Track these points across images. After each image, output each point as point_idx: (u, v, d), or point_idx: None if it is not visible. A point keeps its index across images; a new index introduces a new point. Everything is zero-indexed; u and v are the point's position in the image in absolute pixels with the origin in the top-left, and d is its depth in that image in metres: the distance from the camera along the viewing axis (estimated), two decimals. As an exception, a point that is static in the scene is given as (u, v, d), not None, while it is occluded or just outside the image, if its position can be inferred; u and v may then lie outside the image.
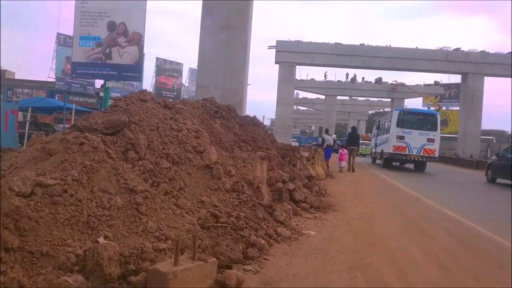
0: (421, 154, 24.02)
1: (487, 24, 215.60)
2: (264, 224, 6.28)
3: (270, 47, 46.36)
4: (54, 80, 51.71)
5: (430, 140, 24.11)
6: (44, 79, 54.68)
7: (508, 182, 18.29)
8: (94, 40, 42.33)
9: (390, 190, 14.56)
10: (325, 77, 65.33)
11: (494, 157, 21.62)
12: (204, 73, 19.94)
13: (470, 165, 34.79)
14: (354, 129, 25.04)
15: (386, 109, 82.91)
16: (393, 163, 26.56)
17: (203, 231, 5.43)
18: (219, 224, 5.70)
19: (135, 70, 40.18)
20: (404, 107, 36.82)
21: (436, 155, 24.93)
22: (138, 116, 7.10)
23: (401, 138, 24.07)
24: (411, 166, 26.61)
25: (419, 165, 25.25)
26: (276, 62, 46.06)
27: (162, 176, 6.20)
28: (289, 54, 45.34)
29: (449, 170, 30.20)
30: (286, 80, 45.68)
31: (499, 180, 19.69)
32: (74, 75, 41.37)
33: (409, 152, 23.96)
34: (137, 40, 39.33)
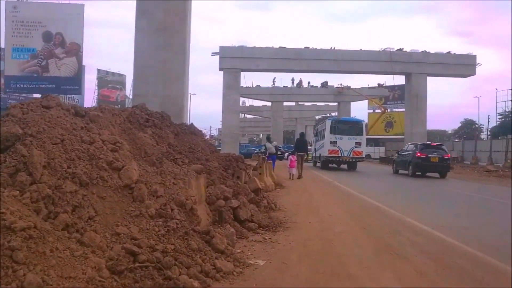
0: (351, 155, 28.30)
1: (426, 24, 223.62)
2: (200, 257, 4.93)
3: (213, 54, 45.20)
4: (-14, 96, 48.55)
5: (358, 143, 28.49)
6: (-25, 95, 51.34)
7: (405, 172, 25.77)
8: (29, 52, 40.07)
9: (345, 198, 13.57)
10: (273, 83, 64.59)
11: (396, 154, 29.36)
12: (141, 80, 18.38)
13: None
14: (302, 135, 24.29)
15: (333, 114, 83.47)
16: (330, 165, 30.30)
17: (113, 277, 4.04)
18: (137, 265, 4.33)
19: (74, 82, 38.23)
20: (335, 117, 39.40)
21: (363, 155, 29.80)
22: (37, 126, 5.59)
23: (334, 143, 28.20)
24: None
25: (351, 165, 29.47)
26: (220, 69, 44.91)
27: (64, 204, 4.74)
28: (233, 60, 44.29)
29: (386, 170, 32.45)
30: (231, 87, 44.51)
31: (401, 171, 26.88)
32: (8, 90, 38.70)
33: (341, 154, 28.17)
34: (75, 51, 37.50)
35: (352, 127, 29.56)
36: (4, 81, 38.93)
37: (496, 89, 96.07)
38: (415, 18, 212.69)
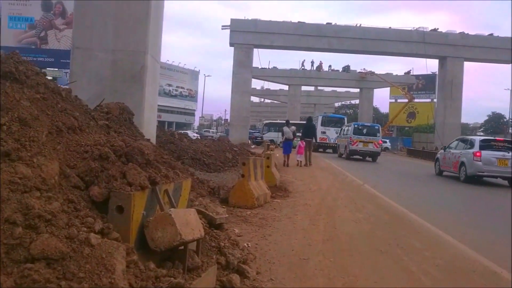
0: (336, 142, 34.13)
1: (448, 20, 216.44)
2: None
3: (224, 27, 38.71)
4: (-19, 68, 44.18)
5: None
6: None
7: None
8: (27, 22, 35.18)
9: (396, 228, 6.88)
10: (303, 66, 57.64)
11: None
12: (84, 27, 11.75)
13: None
14: (310, 120, 21.80)
15: (353, 101, 76.17)
16: (319, 149, 33.91)
17: None
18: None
19: (75, 56, 32.75)
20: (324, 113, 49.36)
21: None
22: None
23: (323, 132, 35.90)
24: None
25: (335, 150, 33.87)
26: (230, 45, 38.49)
27: None
28: (246, 34, 37.82)
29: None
30: (243, 65, 38.05)
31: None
32: (2, 63, 33.88)
33: (329, 141, 36.00)
34: (78, 23, 32.05)
35: (337, 121, 37.61)
36: (-1, 53, 34.52)
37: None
38: (436, 14, 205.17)
